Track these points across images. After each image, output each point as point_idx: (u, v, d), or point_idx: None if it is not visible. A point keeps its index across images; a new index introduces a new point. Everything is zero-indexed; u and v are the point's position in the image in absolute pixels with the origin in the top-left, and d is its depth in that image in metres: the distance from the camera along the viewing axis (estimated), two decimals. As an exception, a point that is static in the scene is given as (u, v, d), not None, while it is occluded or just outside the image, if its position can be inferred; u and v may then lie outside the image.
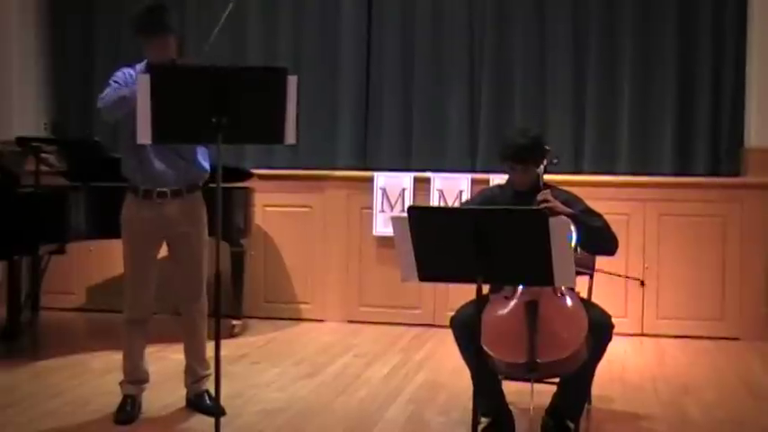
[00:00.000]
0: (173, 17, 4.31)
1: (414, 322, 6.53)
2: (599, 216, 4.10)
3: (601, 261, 4.46)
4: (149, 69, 3.87)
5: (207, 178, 4.46)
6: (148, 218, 4.32)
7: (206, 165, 4.45)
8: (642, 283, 5.58)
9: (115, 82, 4.28)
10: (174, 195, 4.34)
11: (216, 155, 3.76)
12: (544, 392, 4.04)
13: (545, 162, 4.16)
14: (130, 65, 4.40)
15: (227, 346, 5.40)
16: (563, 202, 4.04)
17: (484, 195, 4.39)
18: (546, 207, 3.90)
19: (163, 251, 4.46)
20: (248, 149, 6.90)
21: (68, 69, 7.30)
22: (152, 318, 4.49)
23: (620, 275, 5.29)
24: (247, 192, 6.23)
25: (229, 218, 5.93)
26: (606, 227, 4.08)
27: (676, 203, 6.30)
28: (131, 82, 4.24)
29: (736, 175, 6.39)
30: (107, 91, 4.25)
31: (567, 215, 3.86)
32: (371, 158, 6.92)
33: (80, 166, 5.88)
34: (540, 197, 4.01)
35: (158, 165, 4.29)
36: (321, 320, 6.71)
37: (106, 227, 4.81)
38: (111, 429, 4.25)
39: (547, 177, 4.24)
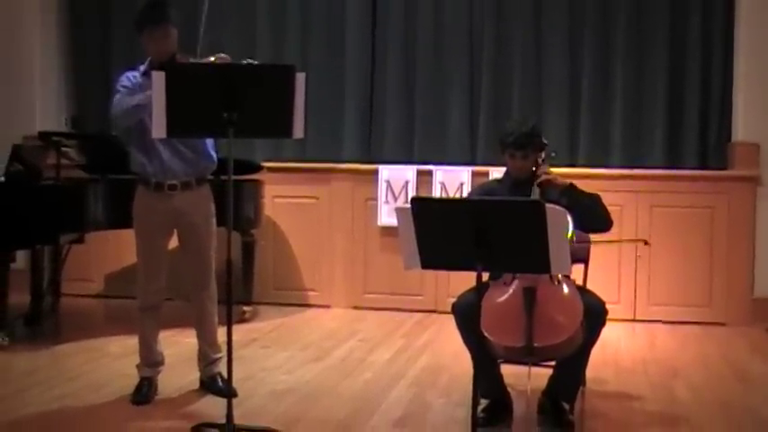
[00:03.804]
0: (174, 11, 4.28)
1: (416, 308, 6.52)
2: (594, 195, 4.10)
3: (598, 249, 4.43)
4: (163, 67, 3.83)
5: (215, 168, 4.44)
6: (159, 209, 4.30)
7: (214, 155, 4.43)
8: (645, 243, 5.55)
9: (124, 87, 4.24)
10: (183, 187, 4.31)
11: (227, 148, 3.74)
12: (541, 375, 4.04)
13: (543, 155, 4.15)
14: (132, 67, 4.37)
15: (239, 331, 5.37)
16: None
17: (483, 188, 4.38)
18: (545, 179, 3.95)
19: (174, 241, 4.44)
20: (258, 143, 6.87)
21: (87, 67, 7.27)
22: (164, 304, 4.48)
23: (623, 241, 5.27)
24: (257, 184, 6.21)
25: (240, 209, 5.91)
26: (600, 202, 4.07)
27: (667, 195, 6.28)
28: (138, 84, 4.20)
29: (724, 168, 6.37)
30: (118, 97, 4.21)
31: (564, 187, 3.93)
32: (376, 152, 6.89)
33: (98, 160, 5.88)
34: (539, 170, 4.03)
35: (169, 158, 4.27)
36: (327, 307, 6.69)
37: (123, 217, 4.79)
38: (128, 410, 4.25)
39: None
